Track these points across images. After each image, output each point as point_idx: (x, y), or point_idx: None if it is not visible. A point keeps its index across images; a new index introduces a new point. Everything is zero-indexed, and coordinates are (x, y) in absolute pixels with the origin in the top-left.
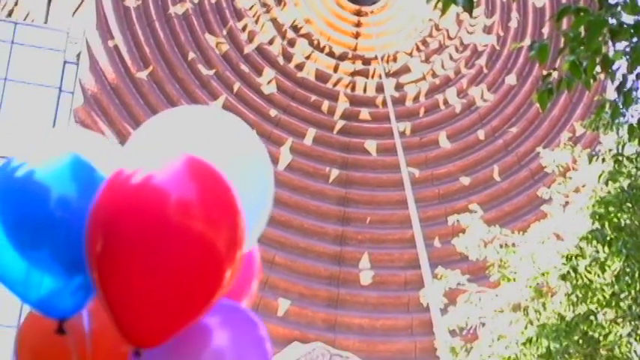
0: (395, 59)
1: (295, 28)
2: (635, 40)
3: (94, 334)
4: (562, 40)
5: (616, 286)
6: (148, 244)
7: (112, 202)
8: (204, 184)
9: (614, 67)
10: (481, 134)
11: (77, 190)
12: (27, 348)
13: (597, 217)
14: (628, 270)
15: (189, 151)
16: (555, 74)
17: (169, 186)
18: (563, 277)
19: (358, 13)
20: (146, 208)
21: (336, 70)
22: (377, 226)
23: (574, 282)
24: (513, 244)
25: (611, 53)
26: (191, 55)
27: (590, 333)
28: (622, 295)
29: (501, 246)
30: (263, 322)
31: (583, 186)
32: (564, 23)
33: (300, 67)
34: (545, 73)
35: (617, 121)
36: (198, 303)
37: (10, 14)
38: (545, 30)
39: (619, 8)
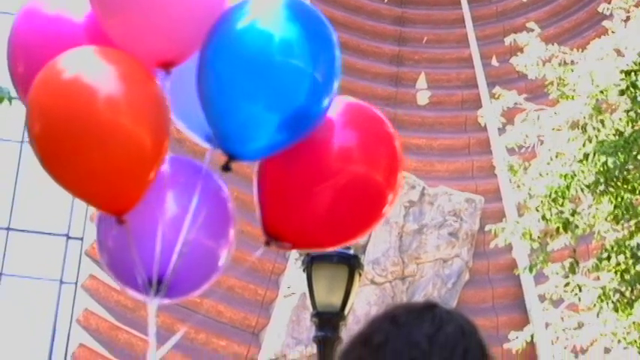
0: None
1: None
2: None
3: None
4: None
5: None
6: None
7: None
8: (363, 125)
9: None
10: None
11: (300, 33)
12: (38, 111)
13: None
14: None
15: None
16: None
17: (330, 136)
18: (622, 93)
19: None
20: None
21: None
22: (434, 45)
23: (633, 97)
24: (572, 62)
25: None
26: None
27: None
28: None
29: (560, 64)
30: None
31: None
32: None
33: None
34: None
35: None
36: (361, 229)
37: None
38: None
39: None
